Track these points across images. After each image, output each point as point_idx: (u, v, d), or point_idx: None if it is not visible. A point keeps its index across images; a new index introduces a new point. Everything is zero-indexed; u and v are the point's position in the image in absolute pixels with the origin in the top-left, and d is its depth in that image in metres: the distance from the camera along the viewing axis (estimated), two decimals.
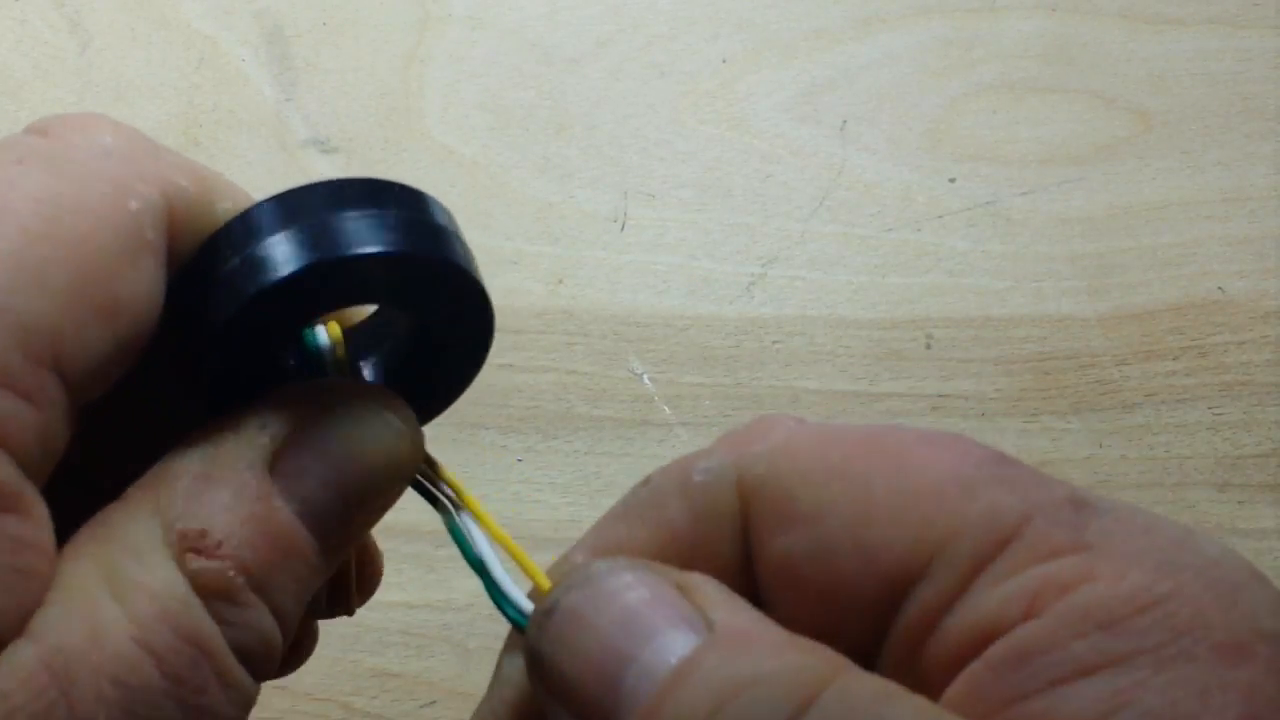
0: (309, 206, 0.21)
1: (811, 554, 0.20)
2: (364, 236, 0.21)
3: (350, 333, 0.24)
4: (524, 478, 0.43)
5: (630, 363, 0.45)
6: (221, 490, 0.20)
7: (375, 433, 0.22)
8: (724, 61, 0.51)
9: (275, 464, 0.21)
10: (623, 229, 0.48)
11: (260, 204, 0.21)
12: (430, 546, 0.41)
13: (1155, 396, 0.45)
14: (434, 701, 0.40)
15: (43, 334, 0.19)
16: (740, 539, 0.21)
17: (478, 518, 0.22)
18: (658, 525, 0.21)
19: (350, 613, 0.26)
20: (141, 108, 0.49)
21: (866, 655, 0.19)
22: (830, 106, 0.51)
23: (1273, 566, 0.43)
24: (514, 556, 0.21)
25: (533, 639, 0.20)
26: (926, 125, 0.50)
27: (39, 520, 0.19)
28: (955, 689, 0.18)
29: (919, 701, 0.17)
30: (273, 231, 0.21)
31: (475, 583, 0.23)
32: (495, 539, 0.22)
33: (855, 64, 0.52)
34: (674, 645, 0.18)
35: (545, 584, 0.21)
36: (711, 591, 0.20)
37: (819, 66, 0.51)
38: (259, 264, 0.20)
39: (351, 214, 0.21)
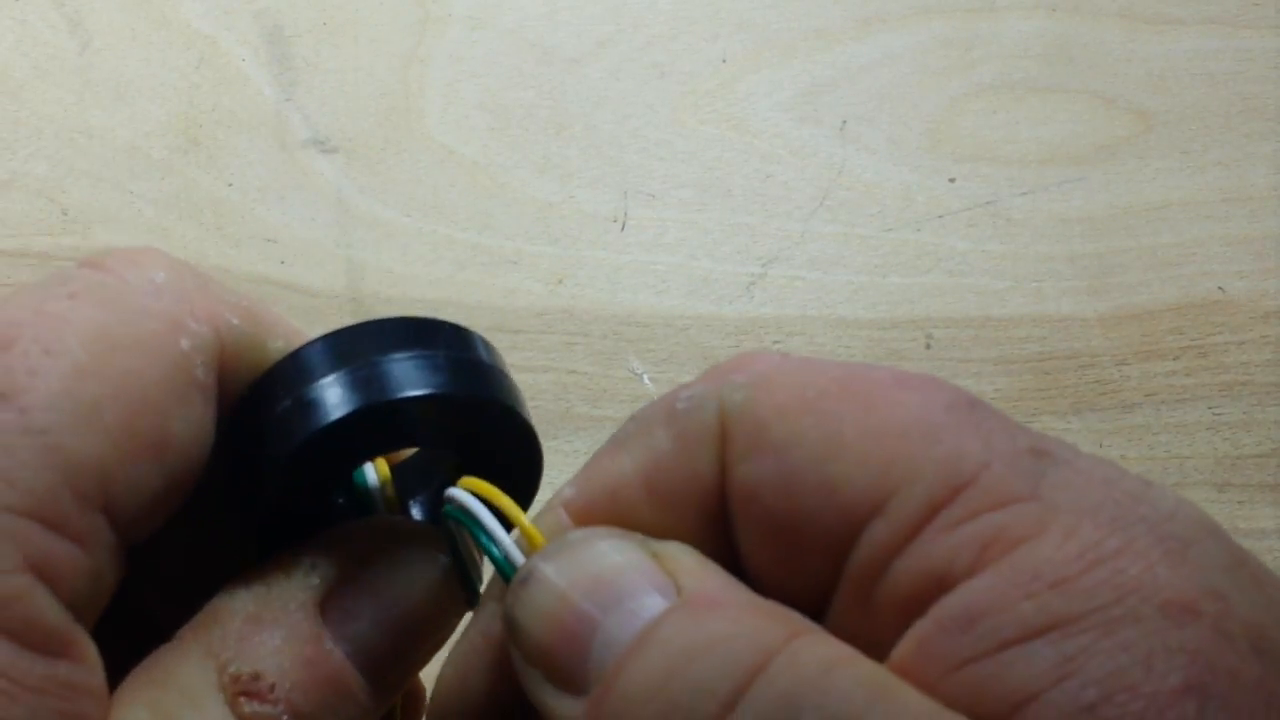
0: (358, 348, 0.21)
1: (776, 482, 0.20)
2: (413, 379, 0.21)
3: (399, 469, 0.24)
4: None
5: (630, 363, 0.45)
6: (273, 632, 0.20)
7: (425, 574, 0.22)
8: (724, 61, 0.51)
9: (326, 605, 0.21)
10: (623, 229, 0.48)
11: (310, 344, 0.21)
12: None
13: (1155, 396, 0.45)
14: None
15: (92, 474, 0.19)
16: (719, 461, 0.21)
17: (477, 490, 0.22)
18: (643, 450, 0.21)
19: None
20: (141, 108, 0.49)
21: (825, 587, 0.20)
22: (830, 106, 0.51)
23: (1273, 566, 0.43)
24: (516, 523, 0.22)
25: (509, 606, 0.20)
26: (926, 125, 0.50)
27: (91, 664, 0.19)
28: (904, 647, 0.18)
29: (864, 670, 0.17)
30: (324, 373, 0.21)
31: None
32: (495, 503, 0.22)
33: (855, 64, 0.51)
34: (641, 611, 0.19)
35: (537, 537, 0.21)
36: (684, 559, 0.20)
37: (819, 66, 0.51)
38: (311, 406, 0.21)
39: (399, 355, 0.21)
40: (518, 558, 0.21)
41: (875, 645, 0.18)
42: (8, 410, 0.18)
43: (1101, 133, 0.50)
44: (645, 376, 0.45)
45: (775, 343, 0.46)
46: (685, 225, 0.48)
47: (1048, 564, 0.17)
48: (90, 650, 0.19)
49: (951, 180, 0.49)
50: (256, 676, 0.20)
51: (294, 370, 0.21)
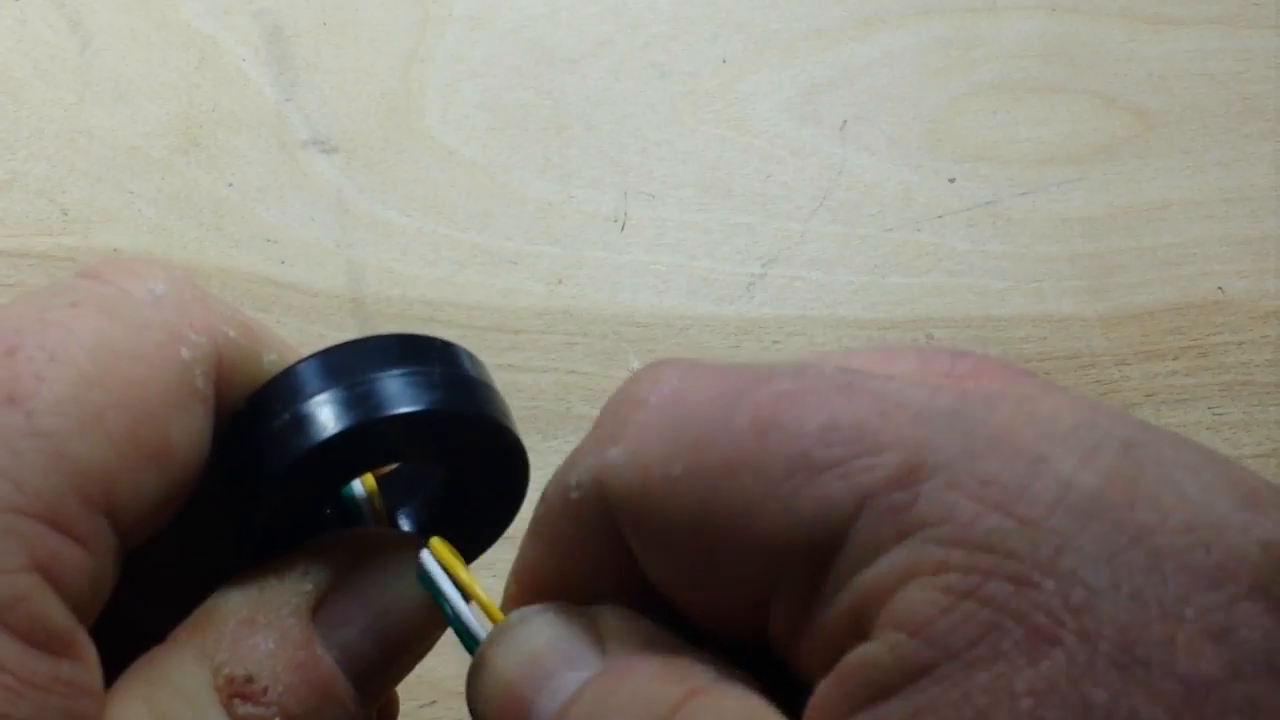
0: (351, 365, 0.22)
1: (674, 573, 0.20)
2: (405, 396, 0.22)
3: (386, 481, 0.25)
4: None
5: (630, 363, 0.45)
6: (266, 635, 0.21)
7: (412, 585, 0.23)
8: (724, 61, 0.51)
9: (317, 611, 0.22)
10: (623, 229, 0.48)
11: (305, 361, 0.22)
12: None
13: (1155, 396, 0.45)
14: (434, 701, 0.40)
15: (97, 479, 0.19)
16: (624, 547, 0.21)
17: (442, 560, 0.23)
18: (553, 543, 0.22)
19: None
20: (141, 108, 0.49)
21: (761, 628, 0.20)
22: (830, 106, 0.51)
23: None
24: (474, 597, 0.22)
25: (467, 695, 0.21)
26: (926, 125, 0.50)
27: (91, 664, 0.19)
28: (811, 702, 0.18)
29: None
30: (318, 390, 0.22)
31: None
32: (456, 578, 0.23)
33: (855, 64, 0.52)
34: (565, 687, 0.19)
35: (495, 612, 0.22)
36: (612, 622, 0.20)
37: (819, 66, 0.51)
38: (306, 422, 0.21)
39: (391, 372, 0.22)
40: (479, 631, 0.22)
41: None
42: (15, 413, 0.19)
43: (1101, 133, 0.50)
44: None
45: (775, 343, 0.46)
46: (685, 225, 0.48)
47: (909, 612, 0.16)
48: (90, 650, 0.19)
49: (951, 180, 0.49)
50: (250, 679, 0.20)
51: (289, 386, 0.22)
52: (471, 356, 0.24)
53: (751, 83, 0.51)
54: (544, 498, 0.22)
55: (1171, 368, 0.46)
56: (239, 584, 0.22)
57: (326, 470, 0.22)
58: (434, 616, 0.23)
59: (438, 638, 0.23)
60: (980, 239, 0.48)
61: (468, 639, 0.22)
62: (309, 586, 0.22)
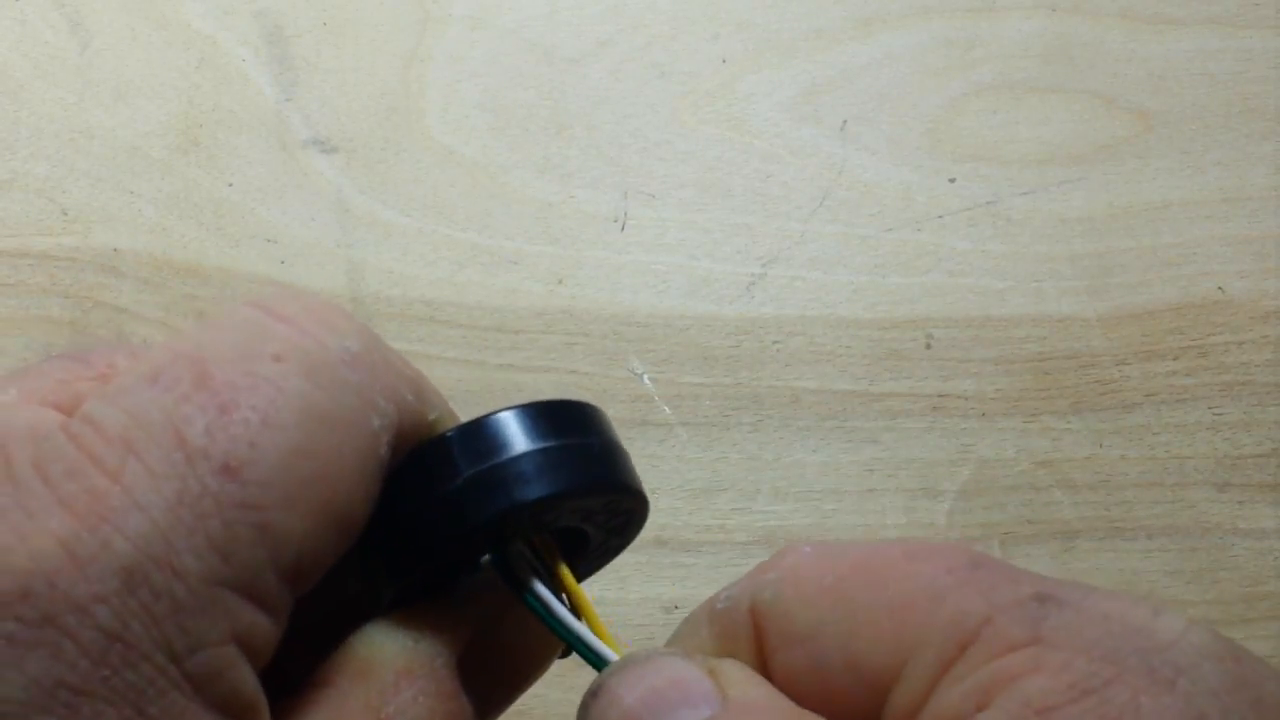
0: (516, 434, 0.23)
1: (809, 669, 0.21)
2: (581, 468, 0.23)
3: None
4: None
5: (630, 363, 0.45)
6: (424, 687, 0.22)
7: (547, 634, 0.24)
8: (724, 61, 0.51)
9: (462, 660, 0.23)
10: (623, 229, 0.48)
11: (472, 426, 0.23)
12: None
13: (1155, 396, 0.45)
14: None
15: (293, 552, 0.20)
16: (758, 653, 0.23)
17: (568, 588, 0.24)
18: (691, 648, 0.23)
19: None
20: (141, 108, 0.49)
21: None
22: (830, 106, 0.51)
23: (1273, 566, 0.43)
24: (593, 627, 0.24)
25: (581, 716, 0.22)
26: (926, 125, 0.50)
27: None
28: None
29: None
30: (493, 458, 0.23)
31: None
32: (579, 606, 0.24)
33: (855, 64, 0.52)
34: (689, 718, 0.21)
35: (613, 644, 0.24)
36: (734, 672, 0.22)
37: (819, 66, 0.51)
38: (487, 491, 0.22)
39: (557, 444, 0.23)
40: (606, 653, 0.23)
41: None
42: (232, 483, 0.19)
43: (1101, 133, 0.50)
44: (645, 376, 0.45)
45: (775, 343, 0.46)
46: (685, 225, 0.48)
47: (1038, 695, 0.18)
48: (267, 711, 0.20)
49: (951, 180, 0.49)
50: None
51: (459, 450, 0.23)
52: (605, 415, 0.25)
53: (751, 83, 0.51)
54: (686, 619, 0.24)
55: (1171, 368, 0.46)
56: (390, 631, 0.23)
57: (498, 535, 0.23)
58: (553, 656, 0.24)
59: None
60: (980, 239, 0.48)
61: (590, 655, 0.23)
62: (459, 637, 0.23)
